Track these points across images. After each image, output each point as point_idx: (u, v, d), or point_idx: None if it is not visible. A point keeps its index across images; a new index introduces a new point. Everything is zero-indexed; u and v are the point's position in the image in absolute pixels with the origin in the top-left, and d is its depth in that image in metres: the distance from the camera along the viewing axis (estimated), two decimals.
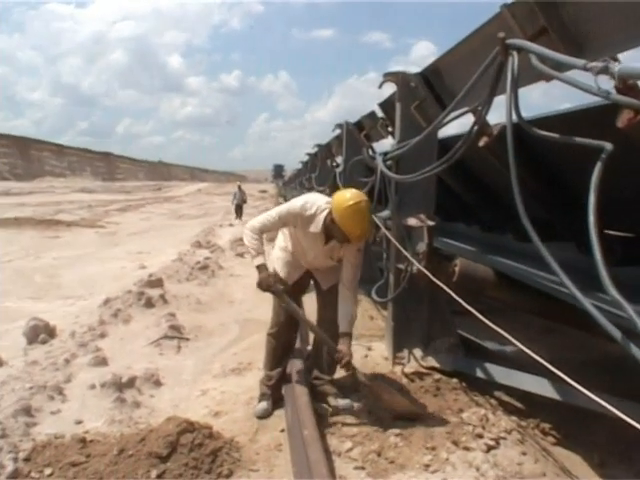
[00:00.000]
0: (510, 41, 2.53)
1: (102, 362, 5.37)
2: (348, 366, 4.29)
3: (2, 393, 4.51)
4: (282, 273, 4.46)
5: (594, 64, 1.86)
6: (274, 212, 4.27)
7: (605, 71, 1.80)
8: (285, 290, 4.30)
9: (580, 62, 1.96)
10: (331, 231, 4.08)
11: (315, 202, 4.16)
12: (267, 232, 4.31)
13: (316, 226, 4.12)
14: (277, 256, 4.55)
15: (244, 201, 28.34)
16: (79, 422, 4.19)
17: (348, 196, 3.97)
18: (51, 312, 7.42)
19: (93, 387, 4.74)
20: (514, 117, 2.58)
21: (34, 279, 10.41)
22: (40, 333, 6.16)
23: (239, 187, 28.84)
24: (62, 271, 11.18)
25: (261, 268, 4.22)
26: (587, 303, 1.95)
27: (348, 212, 3.90)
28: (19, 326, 6.48)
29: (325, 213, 4.08)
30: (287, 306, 4.31)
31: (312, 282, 4.65)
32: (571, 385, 2.13)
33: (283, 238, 4.57)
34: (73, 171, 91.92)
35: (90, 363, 5.31)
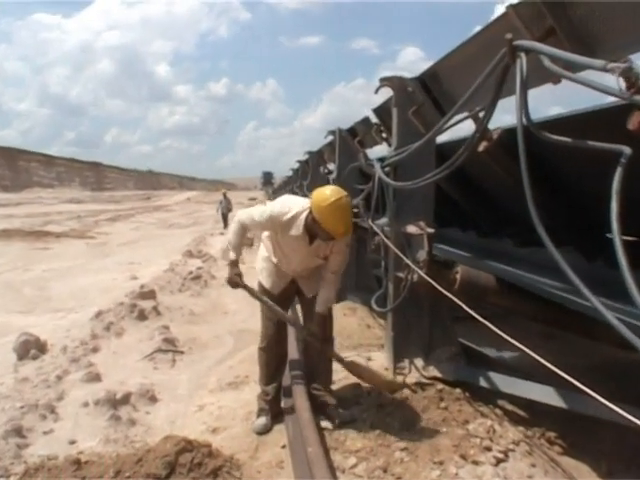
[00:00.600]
0: (518, 42, 2.44)
1: (95, 378, 5.27)
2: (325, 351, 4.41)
3: None
4: (267, 284, 4.44)
5: (615, 65, 1.77)
6: (257, 212, 4.20)
7: (629, 72, 1.72)
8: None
9: (599, 62, 1.87)
10: (314, 230, 3.99)
11: (292, 206, 4.08)
12: (250, 230, 4.36)
13: (297, 229, 4.02)
14: (261, 267, 4.50)
15: (229, 210, 27.36)
16: (73, 442, 4.09)
17: (328, 193, 3.88)
18: (41, 326, 7.31)
19: (86, 405, 4.63)
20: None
21: (23, 292, 10.29)
22: (31, 348, 6.04)
23: (224, 195, 28.23)
24: (52, 283, 11.06)
25: (232, 264, 4.31)
26: (608, 314, 1.86)
27: (329, 210, 3.81)
28: (9, 341, 6.39)
29: (305, 214, 3.99)
30: (263, 303, 4.39)
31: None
32: (579, 392, 2.04)
33: (265, 249, 4.50)
34: (61, 181, 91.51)
35: (83, 379, 5.20)
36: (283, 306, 4.45)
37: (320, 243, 4.10)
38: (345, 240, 4.15)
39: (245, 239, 4.38)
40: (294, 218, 4.01)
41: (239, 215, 4.30)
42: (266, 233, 4.48)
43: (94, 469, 3.42)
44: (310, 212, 3.95)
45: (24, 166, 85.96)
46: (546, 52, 2.25)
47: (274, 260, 4.38)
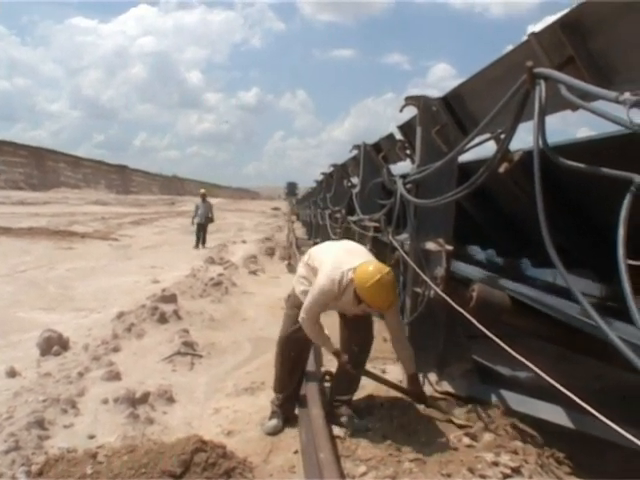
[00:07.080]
0: (538, 70, 2.54)
1: (115, 377, 5.37)
2: (422, 400, 4.57)
3: (16, 404, 4.53)
4: None
5: (627, 97, 1.85)
6: (312, 300, 4.20)
7: (639, 104, 1.80)
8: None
9: (612, 94, 1.96)
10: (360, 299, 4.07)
11: (343, 274, 4.10)
12: (319, 315, 4.32)
13: (347, 296, 4.12)
14: (302, 290, 4.48)
15: (210, 219, 20.64)
16: (92, 437, 4.19)
17: (371, 270, 3.98)
18: (64, 324, 7.45)
19: (106, 402, 4.74)
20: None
21: (47, 290, 10.43)
22: (53, 345, 6.17)
23: (203, 197, 20.95)
24: (75, 283, 11.20)
25: (336, 355, 4.46)
26: (613, 336, 1.93)
27: (372, 289, 3.93)
28: (32, 337, 6.53)
29: (353, 285, 4.04)
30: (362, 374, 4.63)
31: None
32: (588, 414, 2.10)
33: (308, 283, 4.45)
34: (88, 183, 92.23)
35: (103, 377, 5.31)
36: None
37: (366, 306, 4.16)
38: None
39: (323, 330, 4.44)
40: (346, 287, 4.09)
41: (302, 318, 4.26)
42: (303, 266, 4.60)
43: (111, 463, 3.53)
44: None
45: (52, 166, 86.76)
46: (563, 80, 2.34)
47: None
